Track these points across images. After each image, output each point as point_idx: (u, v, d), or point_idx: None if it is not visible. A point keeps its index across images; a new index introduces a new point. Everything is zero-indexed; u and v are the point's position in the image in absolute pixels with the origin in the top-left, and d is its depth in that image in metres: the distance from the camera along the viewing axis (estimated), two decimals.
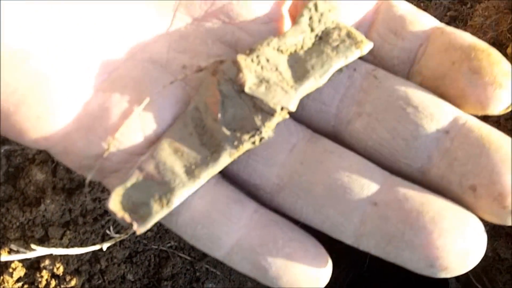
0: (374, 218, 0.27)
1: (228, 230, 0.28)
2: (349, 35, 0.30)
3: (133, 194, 0.28)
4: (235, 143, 0.28)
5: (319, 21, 0.30)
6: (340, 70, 0.30)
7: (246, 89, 0.28)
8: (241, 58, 0.28)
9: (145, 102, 0.29)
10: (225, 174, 0.30)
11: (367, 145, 0.29)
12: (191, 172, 0.28)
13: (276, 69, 0.29)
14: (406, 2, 0.31)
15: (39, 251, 0.42)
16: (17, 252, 0.42)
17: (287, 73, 0.29)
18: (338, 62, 0.29)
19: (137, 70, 0.30)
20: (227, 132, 0.28)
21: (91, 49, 0.29)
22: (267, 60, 0.29)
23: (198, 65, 0.30)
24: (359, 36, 0.29)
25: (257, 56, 0.29)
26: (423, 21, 0.30)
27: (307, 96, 0.30)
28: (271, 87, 0.28)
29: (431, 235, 0.26)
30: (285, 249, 0.27)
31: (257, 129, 0.28)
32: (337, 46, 0.29)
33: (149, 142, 0.29)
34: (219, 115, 0.28)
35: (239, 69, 0.28)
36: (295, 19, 0.31)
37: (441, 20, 0.48)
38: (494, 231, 0.52)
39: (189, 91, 0.30)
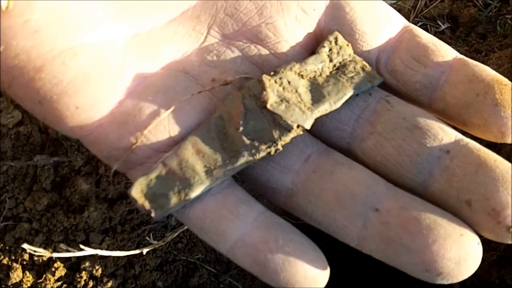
0: (375, 223, 0.29)
1: (234, 227, 0.29)
2: (363, 69, 0.33)
3: (154, 186, 0.30)
4: (253, 151, 0.31)
5: (338, 53, 0.33)
6: (357, 94, 0.33)
7: (268, 106, 0.31)
8: (266, 78, 0.31)
9: (174, 106, 0.32)
10: (244, 177, 0.33)
11: (376, 160, 0.32)
12: (210, 172, 0.30)
13: (296, 91, 0.32)
14: (428, 33, 0.34)
15: (87, 251, 0.47)
16: (67, 251, 0.46)
17: (305, 95, 0.32)
18: (352, 91, 0.32)
19: (170, 78, 0.33)
20: (247, 141, 0.31)
21: (132, 55, 0.32)
22: (289, 83, 0.32)
23: (226, 79, 0.33)
24: (372, 71, 0.33)
25: (280, 78, 0.32)
26: (445, 51, 0.33)
27: (326, 115, 0.32)
28: (290, 106, 0.31)
29: (427, 240, 0.27)
30: (284, 248, 0.28)
31: (274, 142, 0.31)
32: (352, 77, 0.33)
33: (173, 142, 0.31)
34: (241, 125, 0.31)
35: (263, 88, 0.31)
36: (316, 48, 0.34)
37: None
38: (501, 259, 0.55)
39: (215, 102, 0.33)
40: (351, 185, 0.30)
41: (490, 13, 0.58)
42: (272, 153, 0.31)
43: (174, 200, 0.30)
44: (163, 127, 0.31)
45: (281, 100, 0.31)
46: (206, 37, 0.34)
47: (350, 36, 0.34)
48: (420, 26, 0.59)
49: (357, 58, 0.33)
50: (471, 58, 0.55)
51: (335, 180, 0.31)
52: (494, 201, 0.28)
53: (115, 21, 0.32)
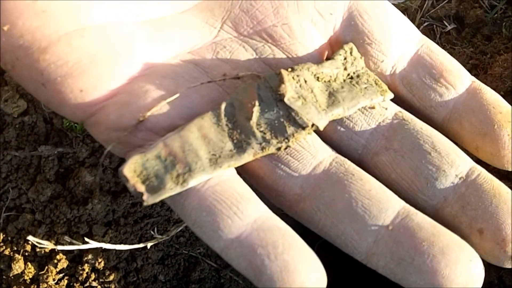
0: (387, 241, 0.29)
1: (231, 224, 0.28)
2: (376, 82, 0.33)
3: (150, 166, 0.28)
4: (263, 144, 0.30)
5: (352, 64, 0.33)
6: (373, 107, 0.33)
7: (286, 99, 0.30)
8: (285, 72, 0.31)
9: (181, 92, 0.31)
10: (248, 175, 0.32)
11: (389, 177, 0.32)
12: (214, 160, 0.29)
13: (312, 91, 0.32)
14: (442, 50, 0.35)
15: (91, 243, 0.47)
16: (70, 243, 0.46)
17: (320, 97, 0.32)
18: (364, 101, 0.32)
19: (180, 67, 0.32)
20: (258, 133, 0.30)
21: (141, 40, 0.31)
22: (305, 81, 0.32)
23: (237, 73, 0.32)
24: (384, 85, 0.33)
25: (298, 76, 0.31)
26: (460, 72, 0.34)
27: (341, 123, 0.33)
28: (307, 104, 0.31)
29: (439, 264, 0.28)
30: (283, 255, 0.27)
31: (286, 138, 0.30)
32: (365, 88, 0.33)
33: (174, 128, 0.30)
34: (254, 116, 0.30)
35: (281, 81, 0.31)
36: (331, 54, 0.34)
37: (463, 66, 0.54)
38: None
39: (224, 96, 0.32)
40: (364, 198, 0.30)
41: (496, 15, 0.58)
42: (282, 149, 0.31)
43: (170, 184, 0.28)
44: (168, 111, 0.31)
45: (298, 96, 0.31)
46: (219, 31, 0.34)
47: (367, 44, 0.34)
48: (426, 26, 0.60)
49: (370, 72, 0.34)
50: (477, 60, 0.56)
51: (347, 191, 0.30)
52: (505, 232, 0.29)
53: (125, 5, 0.31)
